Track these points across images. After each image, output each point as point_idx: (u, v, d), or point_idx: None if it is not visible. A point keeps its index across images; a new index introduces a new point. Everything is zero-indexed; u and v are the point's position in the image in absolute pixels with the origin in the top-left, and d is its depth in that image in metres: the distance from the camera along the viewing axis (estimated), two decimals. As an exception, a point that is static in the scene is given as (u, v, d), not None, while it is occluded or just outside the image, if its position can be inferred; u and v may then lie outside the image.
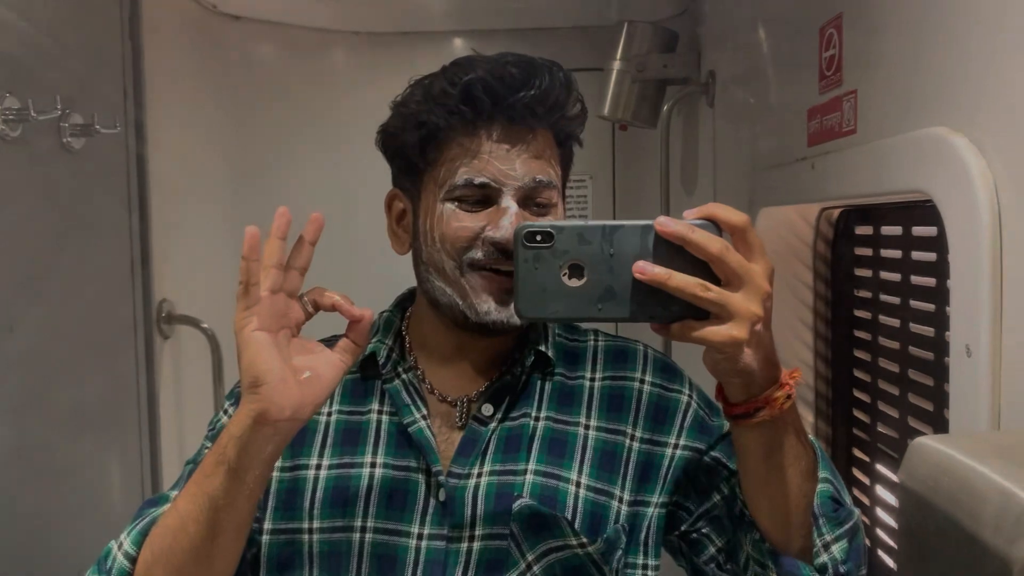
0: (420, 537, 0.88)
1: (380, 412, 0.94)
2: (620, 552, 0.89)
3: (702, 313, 0.66)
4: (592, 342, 0.99)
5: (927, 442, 0.66)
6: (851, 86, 1.10)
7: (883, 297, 1.40)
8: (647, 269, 0.65)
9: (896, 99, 0.98)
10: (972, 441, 0.64)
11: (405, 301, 1.03)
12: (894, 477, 1.36)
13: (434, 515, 0.89)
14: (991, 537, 0.54)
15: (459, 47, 2.46)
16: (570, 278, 0.66)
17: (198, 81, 2.15)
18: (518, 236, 0.67)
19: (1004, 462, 0.58)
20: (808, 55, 1.26)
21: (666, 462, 0.92)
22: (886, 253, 1.38)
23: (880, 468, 1.42)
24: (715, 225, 0.66)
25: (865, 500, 1.50)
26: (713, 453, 0.92)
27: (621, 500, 0.90)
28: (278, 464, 0.91)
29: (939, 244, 1.18)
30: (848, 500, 0.80)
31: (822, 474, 0.79)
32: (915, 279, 1.27)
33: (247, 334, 0.75)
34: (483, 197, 0.86)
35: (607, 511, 0.89)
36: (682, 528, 0.92)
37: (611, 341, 1.00)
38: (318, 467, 0.92)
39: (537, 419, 0.92)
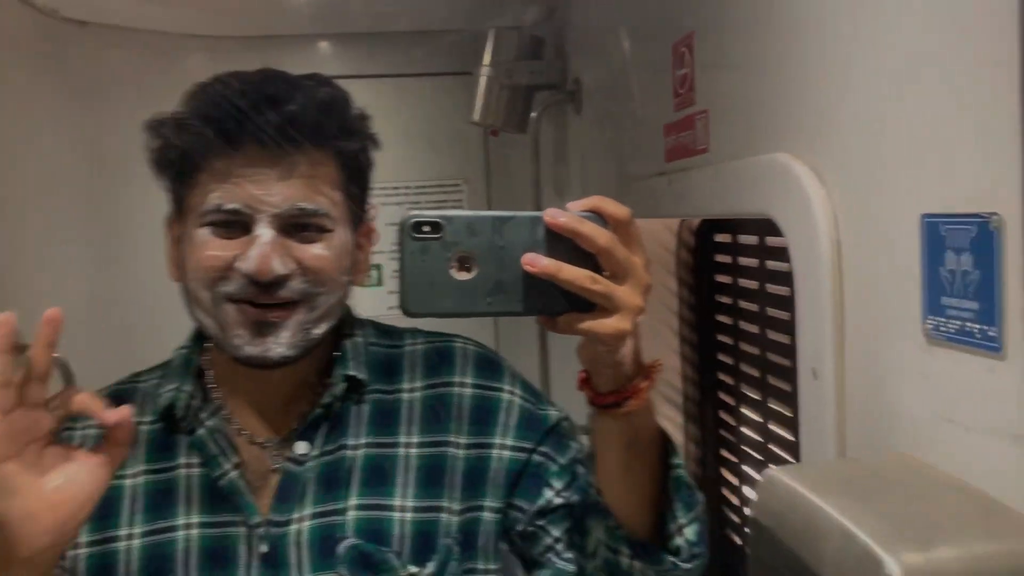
0: None
1: (189, 466, 0.90)
2: (455, 565, 0.89)
3: (587, 305, 0.66)
4: (409, 346, 0.97)
5: (777, 475, 0.67)
6: (703, 105, 1.12)
7: (742, 304, 1.45)
8: (537, 262, 0.63)
9: (745, 121, 1.00)
10: (818, 474, 0.66)
11: (204, 336, 0.95)
12: (758, 477, 1.41)
13: (259, 569, 0.86)
14: (831, 577, 0.56)
15: (325, 50, 2.40)
16: (459, 271, 0.64)
17: (46, 90, 2.01)
18: (404, 226, 0.63)
19: (848, 499, 0.60)
20: (663, 70, 1.28)
21: (494, 464, 0.92)
22: (744, 261, 1.43)
23: (746, 469, 1.47)
24: (599, 217, 0.66)
25: (734, 500, 1.55)
26: (541, 448, 0.93)
27: (451, 512, 0.90)
28: (85, 540, 0.87)
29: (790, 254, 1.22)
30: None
31: (674, 459, 0.80)
32: (770, 287, 1.31)
33: None
34: (237, 223, 0.82)
35: (436, 527, 0.89)
36: (517, 528, 0.93)
37: (428, 343, 0.98)
38: (129, 537, 0.87)
39: (356, 448, 0.90)
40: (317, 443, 0.89)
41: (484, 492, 0.92)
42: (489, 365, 0.97)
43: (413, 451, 0.91)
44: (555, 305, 0.65)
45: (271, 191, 0.81)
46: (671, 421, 1.67)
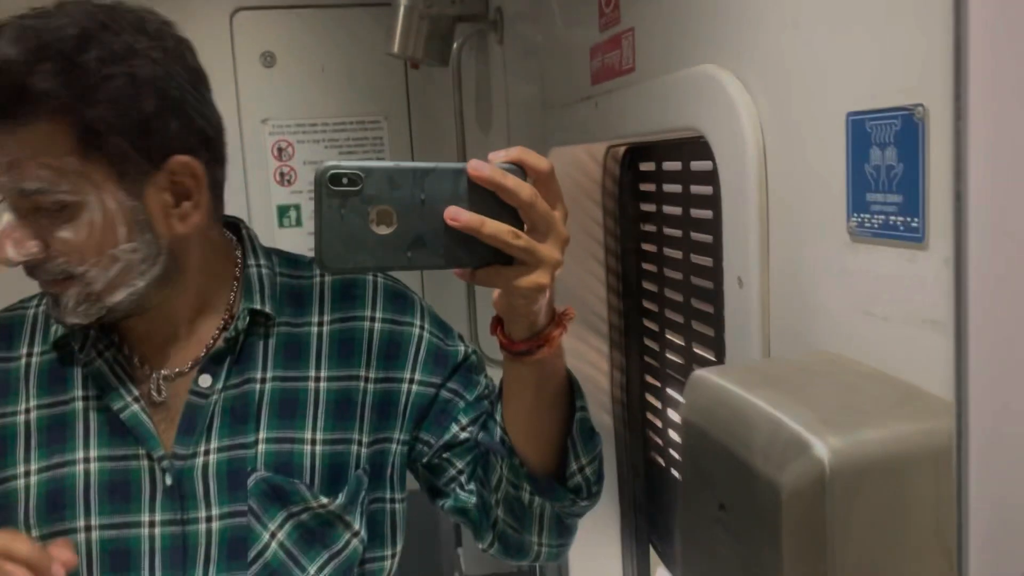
0: (152, 525, 0.85)
1: (86, 399, 0.87)
2: (363, 495, 0.90)
3: (507, 258, 0.66)
4: (318, 277, 0.95)
5: (704, 374, 0.68)
6: (628, 24, 1.11)
7: (667, 230, 1.46)
8: (460, 216, 0.63)
9: (670, 37, 0.99)
10: (744, 372, 0.67)
11: None
12: (679, 397, 1.44)
13: (164, 501, 0.85)
14: (762, 464, 0.57)
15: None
16: (378, 225, 0.62)
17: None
18: (321, 179, 0.61)
19: (773, 391, 0.61)
20: (588, -8, 1.26)
21: (403, 398, 0.92)
22: (668, 188, 1.44)
23: (671, 392, 1.50)
24: (520, 169, 0.66)
25: (658, 422, 1.58)
26: (450, 384, 0.94)
27: (361, 443, 0.90)
28: None
29: (714, 178, 1.23)
30: (605, 412, 0.86)
31: (579, 402, 0.83)
32: (694, 212, 1.33)
33: None
34: None
35: (347, 458, 0.89)
36: (423, 460, 0.94)
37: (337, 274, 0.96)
38: (27, 474, 0.85)
39: (263, 381, 0.89)
40: (221, 376, 0.87)
41: (393, 424, 0.92)
42: (400, 299, 0.96)
43: (323, 385, 0.90)
44: (475, 258, 0.65)
45: None
46: (596, 350, 1.69)
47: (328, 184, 0.61)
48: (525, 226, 0.66)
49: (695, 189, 1.32)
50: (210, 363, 0.88)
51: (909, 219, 0.60)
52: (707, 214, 1.27)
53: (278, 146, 2.39)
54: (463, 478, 0.93)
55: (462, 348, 0.97)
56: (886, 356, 0.64)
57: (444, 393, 0.93)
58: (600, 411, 1.70)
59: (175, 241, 0.82)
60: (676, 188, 1.39)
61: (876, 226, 0.64)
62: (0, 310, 0.94)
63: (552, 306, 0.74)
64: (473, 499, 0.92)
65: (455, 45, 2.03)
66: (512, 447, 0.83)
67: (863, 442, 0.54)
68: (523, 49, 1.80)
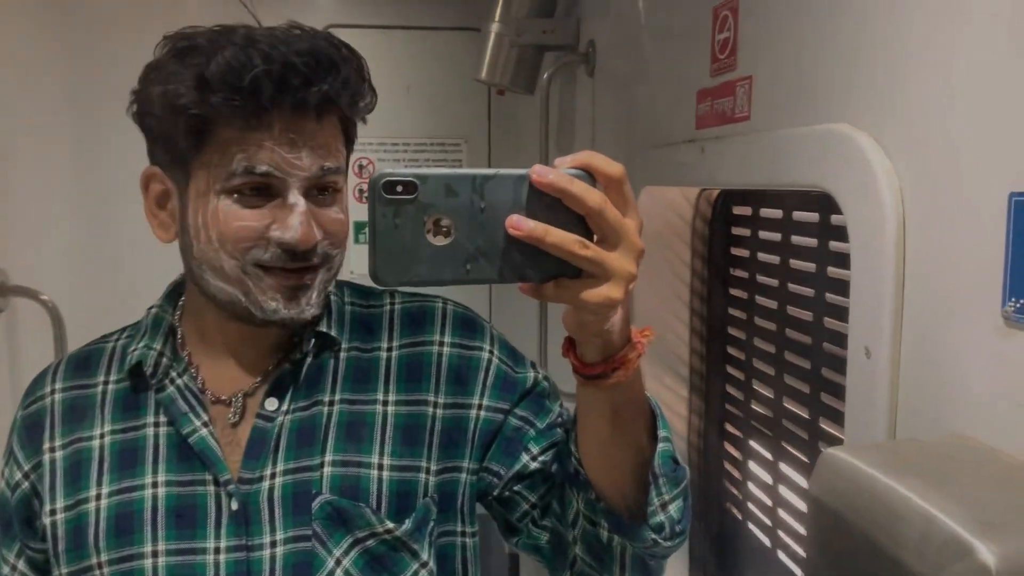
0: (218, 551, 0.84)
1: (157, 425, 0.89)
2: (432, 524, 0.88)
3: (575, 271, 0.61)
4: (388, 306, 0.96)
5: (839, 454, 0.65)
6: (746, 71, 1.09)
7: (760, 278, 1.43)
8: (522, 224, 0.58)
9: (795, 89, 0.97)
10: (883, 453, 0.64)
11: (179, 288, 0.96)
12: (766, 453, 1.41)
13: (229, 526, 0.85)
14: (915, 562, 0.54)
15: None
16: (435, 235, 0.59)
17: (31, 27, 1.93)
18: (375, 187, 0.58)
19: (920, 481, 0.58)
20: (697, 34, 1.24)
21: (472, 425, 0.90)
22: (764, 235, 1.41)
23: (753, 444, 1.46)
24: (589, 176, 0.60)
25: (737, 474, 1.54)
26: (518, 411, 0.92)
27: (429, 471, 0.89)
28: (60, 505, 0.88)
29: (820, 231, 1.20)
30: (681, 458, 0.82)
31: (662, 432, 0.78)
32: (794, 263, 1.30)
33: None
34: (264, 188, 0.80)
35: (415, 486, 0.88)
36: (494, 493, 0.92)
37: (408, 302, 0.96)
38: (98, 497, 0.86)
39: (331, 404, 0.89)
40: (287, 399, 0.88)
41: (462, 453, 0.90)
42: (469, 325, 0.95)
43: (390, 409, 0.89)
44: (540, 271, 0.61)
45: (300, 155, 0.79)
46: (675, 393, 1.66)
47: (382, 192, 0.58)
48: (595, 236, 0.61)
49: (796, 239, 1.29)
50: (276, 386, 0.88)
51: (1082, 312, 0.56)
52: (810, 267, 1.24)
53: (359, 163, 2.41)
54: (536, 513, 0.90)
55: (532, 374, 0.95)
56: (1043, 452, 0.60)
57: (512, 420, 0.91)
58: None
59: None
60: (774, 236, 1.36)
61: (1039, 314, 0.60)
62: (83, 345, 0.97)
63: (628, 326, 0.69)
64: (546, 535, 0.89)
65: (545, 75, 2.03)
66: (588, 480, 0.79)
67: (1031, 550, 0.51)
68: (614, 83, 1.79)
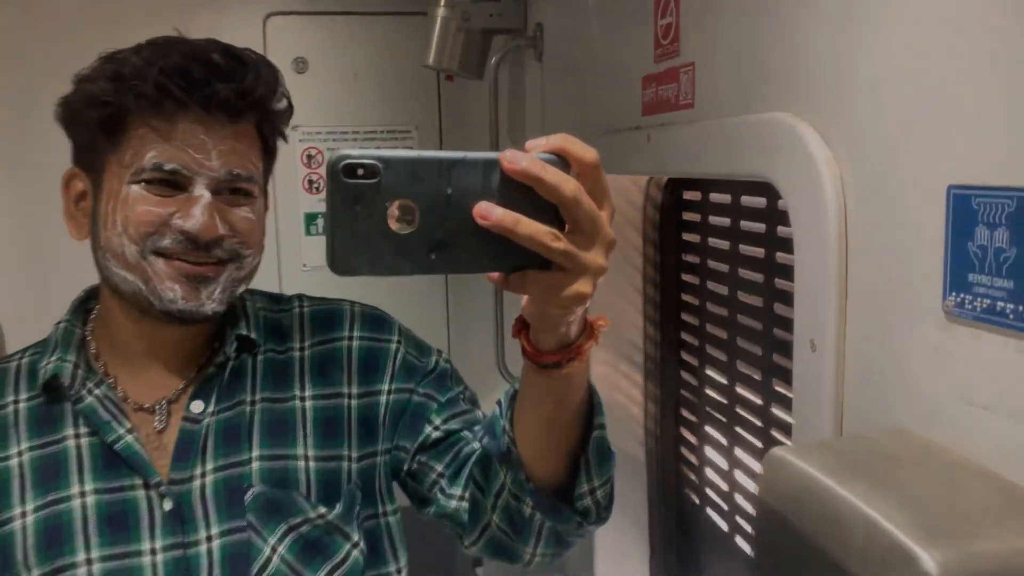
0: (154, 552, 0.85)
1: (78, 436, 0.88)
2: (358, 508, 0.92)
3: (544, 262, 0.58)
4: (297, 309, 0.99)
5: (785, 456, 0.64)
6: (689, 58, 1.07)
7: (711, 263, 1.42)
8: (491, 213, 0.55)
9: (737, 78, 0.95)
10: (828, 454, 0.63)
11: (86, 303, 0.97)
12: (720, 438, 1.40)
13: (164, 527, 0.86)
14: (858, 569, 0.53)
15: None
16: (398, 223, 0.55)
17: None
18: (334, 168, 0.54)
19: (867, 485, 0.57)
20: (642, 18, 1.22)
21: (382, 410, 0.94)
22: (714, 220, 1.40)
23: (708, 430, 1.46)
24: (563, 161, 0.56)
25: (693, 459, 1.54)
26: (421, 389, 0.95)
27: (351, 459, 0.92)
28: None
29: (768, 216, 1.19)
30: (637, 444, 0.82)
31: (598, 419, 0.78)
32: (744, 248, 1.29)
33: None
34: (172, 183, 0.82)
35: (339, 475, 0.91)
36: (404, 467, 0.94)
37: (317, 305, 1.00)
38: (23, 515, 0.85)
39: (253, 403, 0.91)
40: (212, 400, 0.89)
41: (376, 438, 0.94)
42: (377, 322, 0.99)
43: (308, 403, 0.93)
44: (508, 262, 0.57)
45: (210, 155, 0.82)
46: (630, 379, 1.65)
47: (341, 175, 0.54)
48: (567, 226, 0.58)
49: (745, 225, 1.28)
50: (200, 389, 0.90)
51: (1022, 308, 0.56)
52: (757, 252, 1.23)
53: (307, 153, 2.36)
54: (444, 482, 0.91)
55: (435, 359, 0.99)
56: (986, 449, 0.60)
57: (416, 398, 0.95)
58: (632, 442, 1.66)
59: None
60: (724, 221, 1.35)
61: (979, 309, 0.59)
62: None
63: (585, 315, 0.67)
64: (454, 502, 0.90)
65: (493, 60, 2.00)
66: (520, 460, 0.79)
67: (975, 555, 0.50)
68: (563, 68, 1.76)
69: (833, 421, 0.76)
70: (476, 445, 0.89)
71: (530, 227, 0.55)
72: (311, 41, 2.29)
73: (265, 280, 0.99)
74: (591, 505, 0.79)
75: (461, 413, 0.95)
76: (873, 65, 0.72)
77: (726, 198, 1.33)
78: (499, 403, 0.83)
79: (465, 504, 0.88)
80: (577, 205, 0.56)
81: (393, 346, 0.97)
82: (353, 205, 0.54)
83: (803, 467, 0.61)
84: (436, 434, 0.92)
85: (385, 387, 0.95)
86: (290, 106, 0.91)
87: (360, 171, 0.54)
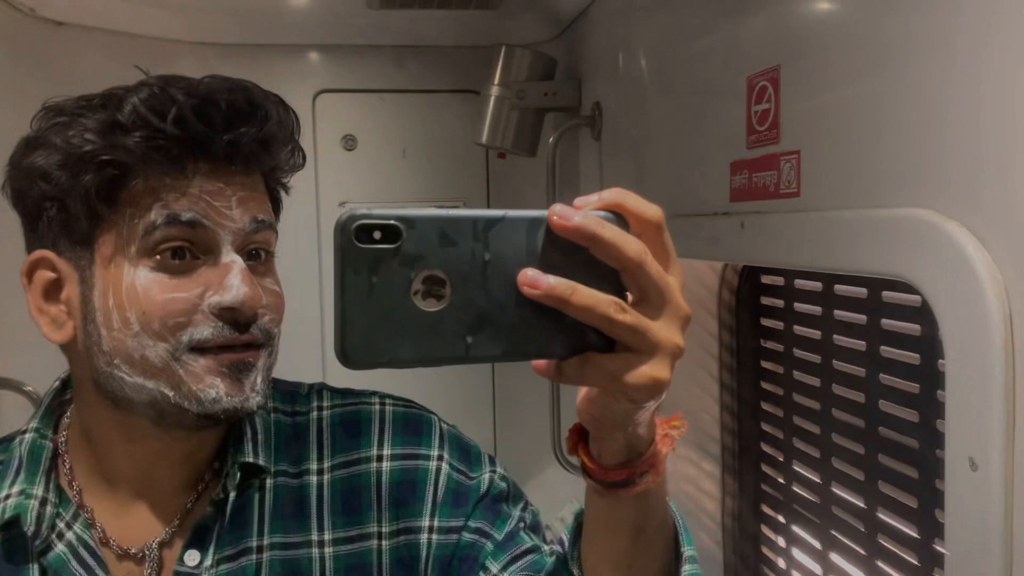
0: None
1: None
2: None
3: (607, 343, 0.48)
4: (316, 412, 0.81)
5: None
6: (791, 146, 1.02)
7: (796, 352, 1.35)
8: (540, 281, 0.45)
9: (854, 167, 0.90)
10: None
11: (62, 396, 0.78)
12: (812, 540, 1.32)
13: None
14: None
15: (316, 61, 2.26)
16: (424, 299, 0.45)
17: (21, 95, 1.84)
18: (344, 233, 0.43)
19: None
20: (725, 101, 1.18)
21: (423, 552, 0.76)
22: (800, 307, 1.33)
23: (796, 529, 1.37)
24: (620, 219, 0.48)
25: (776, 558, 1.45)
26: (472, 523, 0.77)
27: None
28: None
29: (868, 306, 1.13)
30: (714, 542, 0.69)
31: (688, 551, 0.64)
32: (838, 339, 1.22)
33: None
34: (189, 250, 0.66)
35: None
36: None
37: (339, 406, 0.81)
38: None
39: (260, 550, 0.74)
40: (211, 550, 0.72)
41: None
42: (413, 427, 0.80)
43: (328, 551, 0.75)
44: (562, 344, 0.47)
45: (230, 203, 0.68)
46: (706, 472, 1.57)
47: (354, 240, 0.43)
48: (630, 296, 0.49)
49: (839, 315, 1.22)
50: (196, 535, 0.72)
51: None
52: (859, 344, 1.17)
53: (354, 231, 2.33)
54: None
55: (487, 475, 0.80)
56: None
57: (466, 536, 0.76)
58: (707, 539, 1.57)
59: None
60: (813, 309, 1.29)
61: None
62: None
63: (654, 417, 0.55)
64: None
65: (551, 139, 1.97)
66: None
67: None
68: (623, 147, 1.73)
69: (1002, 555, 0.69)
70: None
71: (589, 296, 0.46)
72: (360, 118, 2.29)
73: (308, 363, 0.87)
74: None
75: (523, 553, 0.76)
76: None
77: (816, 285, 1.27)
78: (561, 542, 0.69)
79: None
80: (642, 269, 0.47)
81: (433, 464, 0.78)
82: (369, 277, 0.44)
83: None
84: None
85: (426, 523, 0.77)
86: (304, 158, 0.78)
87: (377, 234, 0.44)
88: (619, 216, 0.48)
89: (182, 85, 0.68)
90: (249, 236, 0.70)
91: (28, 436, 0.74)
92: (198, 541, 0.72)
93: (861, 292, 1.15)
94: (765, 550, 1.49)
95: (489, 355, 0.46)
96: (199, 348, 0.66)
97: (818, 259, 0.95)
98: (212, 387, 0.66)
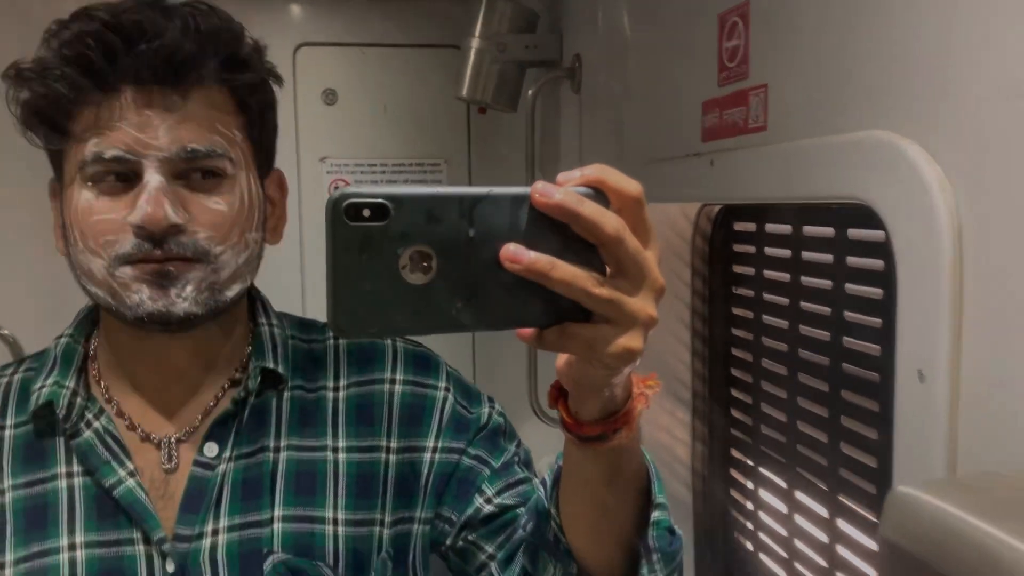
0: None
1: (71, 475, 0.77)
2: None
3: (584, 314, 0.51)
4: (332, 340, 0.87)
5: (916, 494, 0.58)
6: (760, 80, 1.03)
7: (767, 296, 1.37)
8: (521, 256, 0.48)
9: (819, 97, 0.91)
10: (966, 492, 0.57)
11: (92, 314, 0.85)
12: (779, 480, 1.34)
13: None
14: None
15: (297, 14, 2.25)
16: (412, 272, 0.48)
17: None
18: (335, 211, 0.46)
19: (1024, 525, 0.51)
20: (699, 42, 1.18)
21: (425, 469, 0.83)
22: (771, 252, 1.35)
23: (764, 471, 1.40)
24: (601, 195, 0.50)
25: (746, 502, 1.48)
26: (471, 450, 0.84)
27: (383, 523, 0.81)
28: None
29: (835, 246, 1.15)
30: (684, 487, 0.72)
31: (659, 498, 0.68)
32: (806, 280, 1.24)
33: None
34: (122, 174, 0.72)
35: (371, 542, 0.80)
36: (447, 542, 0.83)
37: None
38: (2, 566, 0.74)
39: (278, 450, 0.80)
40: (229, 444, 0.78)
41: (415, 502, 0.83)
42: (422, 362, 0.88)
43: (342, 456, 0.81)
44: (543, 314, 0.50)
45: (157, 134, 0.71)
46: (676, 418, 1.59)
47: (344, 219, 0.46)
48: (609, 271, 0.51)
49: (807, 256, 1.23)
50: (216, 428, 0.78)
51: None
52: (825, 284, 1.18)
53: (335, 185, 2.33)
54: (495, 566, 0.80)
55: (486, 410, 0.88)
56: None
57: (466, 460, 0.83)
58: (678, 484, 1.59)
59: (258, 251, 0.80)
60: (782, 252, 1.30)
61: None
62: None
63: (631, 375, 0.58)
64: None
65: (530, 92, 1.97)
66: (570, 551, 0.69)
67: None
68: (602, 98, 1.73)
69: (945, 460, 0.71)
70: (530, 528, 0.77)
71: (568, 271, 0.49)
72: (341, 72, 2.28)
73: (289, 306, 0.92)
74: None
75: (516, 483, 0.83)
76: (993, 73, 0.67)
77: (786, 228, 1.28)
78: (543, 482, 0.74)
79: None
80: (621, 244, 0.49)
81: (440, 394, 0.86)
82: (359, 252, 0.47)
83: (940, 504, 0.56)
84: (488, 508, 0.81)
85: (430, 443, 0.84)
86: (260, 55, 0.78)
87: (366, 212, 0.47)
88: (600, 192, 0.50)
89: (84, 20, 0.71)
90: (181, 163, 0.73)
91: (63, 340, 0.82)
92: (217, 435, 0.78)
93: (828, 232, 1.16)
94: (734, 493, 1.51)
95: (473, 325, 0.49)
96: (127, 261, 0.72)
97: (782, 190, 0.96)
98: (137, 293, 0.72)
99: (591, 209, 0.49)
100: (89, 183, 0.72)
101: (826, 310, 1.18)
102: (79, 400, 0.78)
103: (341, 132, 2.29)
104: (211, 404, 0.80)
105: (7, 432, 0.79)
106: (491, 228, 0.48)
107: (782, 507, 1.33)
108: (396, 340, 0.88)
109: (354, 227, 0.46)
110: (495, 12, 2.00)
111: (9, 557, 0.74)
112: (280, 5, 2.20)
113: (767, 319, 1.36)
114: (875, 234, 1.03)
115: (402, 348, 0.88)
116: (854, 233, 1.09)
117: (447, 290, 0.48)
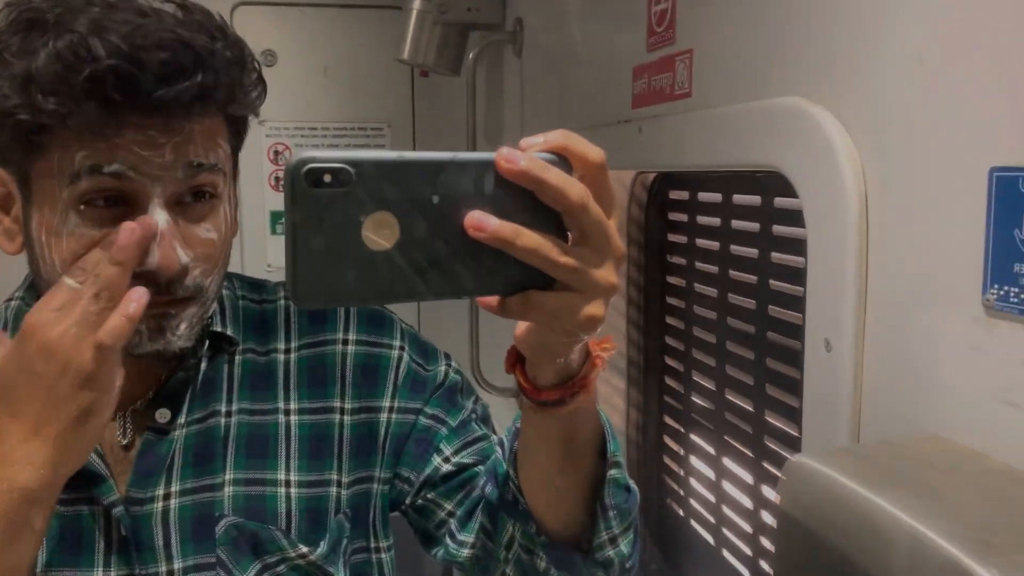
0: None
1: None
2: (346, 543, 0.81)
3: (548, 282, 0.50)
4: (283, 301, 0.85)
5: (808, 462, 0.58)
6: (686, 45, 1.02)
7: (699, 265, 1.37)
8: (486, 224, 0.47)
9: (740, 63, 0.90)
10: (858, 462, 0.57)
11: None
12: (708, 447, 1.35)
13: (119, 555, 0.74)
14: (906, 590, 0.47)
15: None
16: (374, 239, 0.46)
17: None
18: (294, 176, 0.44)
19: (904, 493, 0.52)
20: (632, 6, 1.17)
21: (382, 430, 0.82)
22: (703, 220, 1.35)
23: (694, 438, 1.41)
24: (564, 161, 0.49)
25: (678, 469, 1.49)
26: (428, 409, 0.83)
27: (340, 484, 0.81)
28: None
29: (762, 214, 1.15)
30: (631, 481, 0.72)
31: (615, 456, 0.68)
32: (735, 248, 1.24)
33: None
34: (119, 197, 0.66)
35: (326, 503, 0.79)
36: (407, 501, 0.83)
37: None
38: None
39: (229, 415, 0.79)
40: (184, 409, 0.77)
41: (373, 461, 0.82)
42: (376, 320, 0.85)
43: (294, 419, 0.80)
44: (505, 282, 0.49)
45: (162, 152, 0.65)
46: (611, 385, 1.60)
47: (304, 183, 0.44)
48: (572, 239, 0.50)
49: (737, 224, 1.23)
50: (169, 395, 0.77)
51: (1079, 300, 0.51)
52: (750, 252, 1.18)
53: (274, 149, 2.28)
54: (454, 523, 0.80)
55: (443, 367, 0.86)
56: (1033, 455, 0.54)
57: (423, 419, 0.83)
58: (612, 450, 1.60)
59: None
60: (714, 221, 1.30)
61: (1027, 303, 0.54)
62: None
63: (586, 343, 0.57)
64: (466, 551, 0.79)
65: (470, 55, 1.94)
66: (529, 511, 0.70)
67: (1039, 574, 0.45)
68: (544, 63, 1.71)
69: (850, 427, 0.71)
70: (489, 489, 0.77)
71: (533, 239, 0.48)
72: (280, 33, 2.22)
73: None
74: (613, 556, 0.69)
75: (474, 441, 0.83)
76: (896, 42, 0.66)
77: (716, 197, 1.28)
78: (501, 443, 0.74)
79: (476, 552, 0.78)
80: (585, 212, 0.48)
81: (395, 353, 0.84)
82: (319, 220, 0.45)
83: (831, 474, 0.56)
84: (446, 467, 0.81)
85: (386, 403, 0.82)
86: (262, 89, 0.74)
87: (327, 177, 0.45)
88: (563, 158, 0.49)
89: (110, 34, 0.62)
90: (184, 183, 0.68)
91: (14, 303, 0.79)
92: (169, 402, 0.76)
93: (756, 200, 1.16)
94: (667, 459, 1.52)
95: (436, 293, 0.48)
96: None
97: (705, 157, 0.95)
98: (135, 334, 0.67)
99: (556, 176, 0.48)
100: (79, 204, 0.65)
101: (752, 278, 1.18)
102: None
103: (280, 94, 2.23)
104: (164, 376, 0.78)
105: None
106: (455, 195, 0.47)
107: (711, 474, 1.35)
108: None
109: (315, 192, 0.45)
110: (437, -28, 1.95)
111: None
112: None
113: (699, 287, 1.36)
114: (797, 202, 1.03)
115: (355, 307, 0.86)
116: (780, 202, 1.09)
117: (410, 258, 0.47)
